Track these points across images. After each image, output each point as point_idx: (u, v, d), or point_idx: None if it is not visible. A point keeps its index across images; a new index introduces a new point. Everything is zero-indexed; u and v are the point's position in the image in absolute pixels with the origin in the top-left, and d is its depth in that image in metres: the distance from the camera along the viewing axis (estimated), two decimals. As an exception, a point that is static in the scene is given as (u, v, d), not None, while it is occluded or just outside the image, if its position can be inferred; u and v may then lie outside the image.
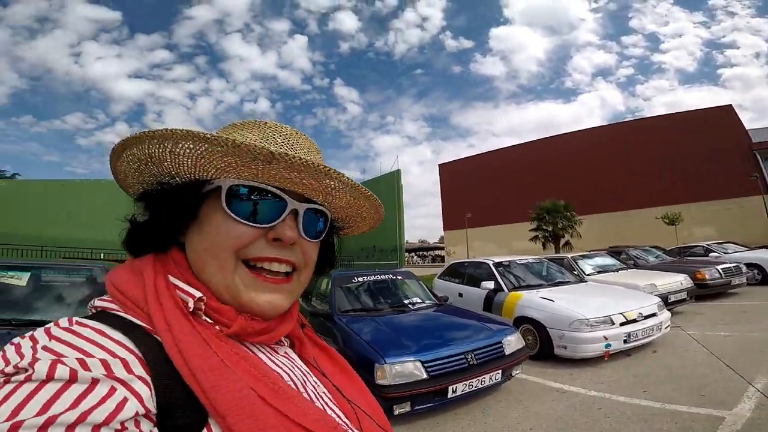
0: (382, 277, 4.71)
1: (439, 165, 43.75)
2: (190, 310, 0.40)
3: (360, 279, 4.60)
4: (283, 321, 0.48)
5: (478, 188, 38.06)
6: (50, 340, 0.33)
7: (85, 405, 0.28)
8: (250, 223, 0.43)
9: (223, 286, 0.43)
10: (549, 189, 28.43)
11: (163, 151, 0.41)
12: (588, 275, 6.93)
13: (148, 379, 0.33)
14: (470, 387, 2.99)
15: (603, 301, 4.72)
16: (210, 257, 0.43)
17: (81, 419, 0.27)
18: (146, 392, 0.32)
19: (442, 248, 44.79)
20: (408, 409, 2.81)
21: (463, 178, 39.96)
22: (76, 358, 0.31)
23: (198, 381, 0.34)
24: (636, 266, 8.46)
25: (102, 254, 14.78)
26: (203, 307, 0.41)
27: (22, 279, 2.88)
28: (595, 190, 30.57)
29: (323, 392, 0.49)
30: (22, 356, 0.31)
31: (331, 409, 0.47)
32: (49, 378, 0.29)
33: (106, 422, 0.28)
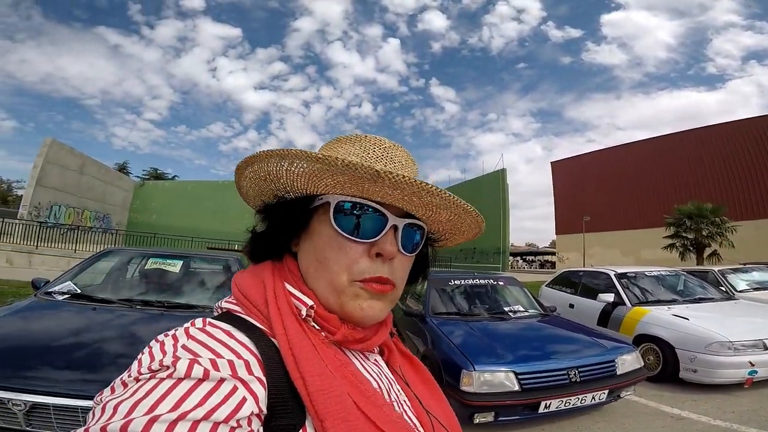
0: (482, 281, 4.52)
1: (552, 163, 39.64)
2: (302, 317, 0.43)
3: (457, 282, 4.49)
4: (378, 330, 0.51)
5: (599, 188, 33.43)
6: (188, 339, 0.37)
7: (211, 403, 0.31)
8: (354, 238, 0.45)
9: (332, 296, 0.45)
10: (691, 190, 24.00)
11: (280, 169, 0.46)
12: (739, 292, 5.76)
13: (265, 380, 0.36)
14: (567, 404, 2.73)
15: (755, 321, 4.02)
16: (323, 269, 0.46)
17: (207, 416, 0.30)
18: (262, 393, 0.35)
19: (553, 254, 40.87)
20: (490, 419, 2.69)
21: (580, 176, 35.52)
22: (209, 359, 0.35)
23: (306, 384, 0.37)
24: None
25: (236, 245, 17.31)
26: (313, 314, 0.44)
27: (176, 266, 3.47)
28: (754, 192, 24.18)
29: (404, 400, 0.51)
30: (165, 353, 0.35)
31: (409, 417, 0.48)
32: (187, 376, 0.33)
33: (227, 420, 0.31)
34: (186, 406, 0.30)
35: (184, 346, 0.36)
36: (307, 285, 0.47)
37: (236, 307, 0.45)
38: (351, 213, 0.46)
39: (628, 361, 3.03)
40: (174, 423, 0.29)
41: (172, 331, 0.39)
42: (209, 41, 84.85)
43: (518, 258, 45.65)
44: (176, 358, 0.34)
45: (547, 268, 36.66)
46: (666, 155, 29.64)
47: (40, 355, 1.95)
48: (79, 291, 3.00)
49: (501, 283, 4.59)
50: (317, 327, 0.44)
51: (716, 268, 6.70)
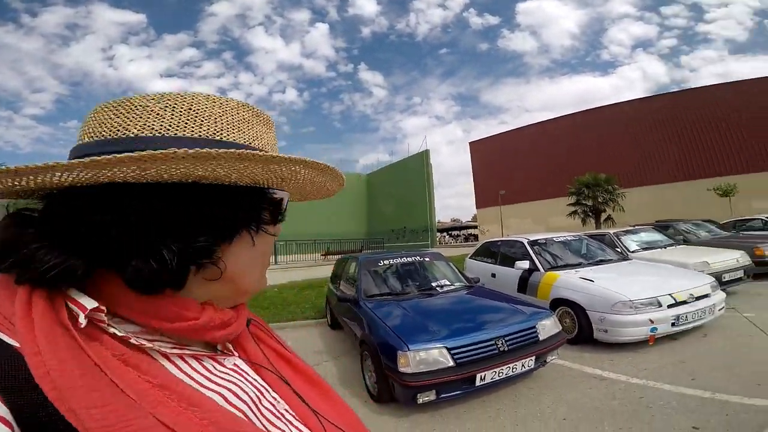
0: (409, 259, 4.61)
1: (470, 143, 42.99)
2: (82, 325, 0.31)
3: (386, 262, 4.54)
4: (238, 316, 0.43)
5: (512, 165, 37.03)
6: None
7: None
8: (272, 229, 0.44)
9: (257, 284, 0.44)
10: (588, 163, 27.27)
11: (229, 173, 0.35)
12: (632, 252, 6.50)
13: (9, 417, 0.27)
14: (500, 375, 2.85)
15: (649, 280, 4.39)
16: (261, 265, 0.44)
17: None
18: None
19: (476, 227, 44.15)
20: (433, 397, 2.73)
21: (495, 155, 39.01)
22: None
23: (81, 420, 0.27)
24: (686, 242, 7.87)
25: None
26: (105, 319, 0.33)
27: None
28: (639, 163, 28.96)
29: (285, 410, 0.42)
30: None
31: (296, 428, 0.41)
32: None
33: None
34: None
35: None
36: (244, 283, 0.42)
37: None
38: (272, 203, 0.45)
39: (548, 326, 3.20)
40: None
41: None
42: (105, 28, 74.20)
43: (445, 234, 48.30)
44: None
45: (471, 241, 39.43)
46: (566, 133, 33.85)
47: None
48: None
49: (427, 259, 4.72)
50: (123, 333, 0.33)
51: (612, 231, 7.43)
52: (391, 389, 2.87)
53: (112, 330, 0.33)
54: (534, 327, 3.13)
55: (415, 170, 26.93)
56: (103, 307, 0.33)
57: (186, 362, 0.37)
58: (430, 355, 2.73)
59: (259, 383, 0.43)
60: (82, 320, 0.32)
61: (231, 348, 0.45)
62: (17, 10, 65.06)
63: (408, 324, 3.10)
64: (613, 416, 2.67)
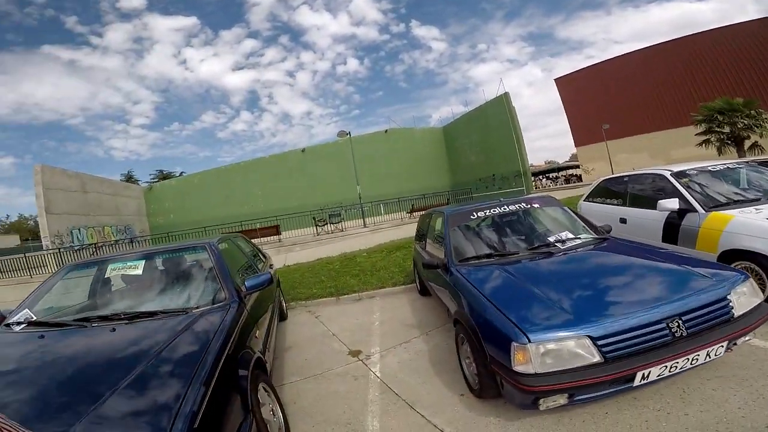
0: (511, 207, 3.55)
1: (556, 80, 37.65)
2: None
3: (480, 214, 3.56)
4: None
5: (613, 97, 31.71)
6: None
7: None
8: None
9: None
10: (714, 88, 22.85)
11: None
12: None
13: None
14: (673, 370, 1.88)
15: None
16: None
17: None
18: None
19: (576, 167, 39.22)
20: (563, 402, 1.90)
21: (590, 88, 33.67)
22: None
23: None
24: None
25: (258, 223, 17.17)
26: None
27: (138, 267, 2.91)
28: None
29: None
30: None
31: None
32: None
33: None
34: None
35: None
36: None
37: None
38: None
39: (745, 295, 2.10)
40: None
41: None
42: (167, 36, 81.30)
43: (541, 177, 43.93)
44: None
45: (574, 182, 35.19)
46: (681, 57, 27.82)
47: None
48: (34, 317, 2.52)
49: (536, 205, 3.61)
50: None
51: None
52: (499, 386, 2.13)
53: None
54: (726, 298, 2.03)
55: (497, 115, 24.59)
56: None
57: None
58: (563, 347, 1.86)
59: None
60: None
61: None
62: (83, 33, 74.77)
63: (523, 299, 2.22)
64: None
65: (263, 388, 2.16)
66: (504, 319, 2.05)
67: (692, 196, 3.79)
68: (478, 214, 3.57)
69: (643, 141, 29.87)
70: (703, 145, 16.92)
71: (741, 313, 2.03)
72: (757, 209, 3.39)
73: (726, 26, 26.71)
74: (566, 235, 3.16)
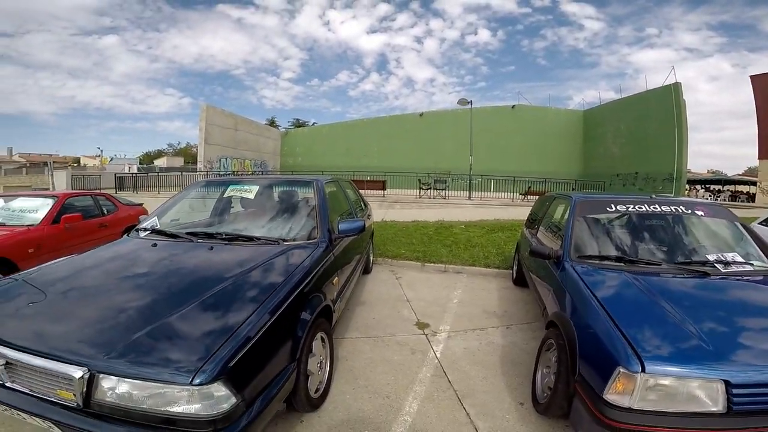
0: (663, 207, 2.79)
1: (752, 77, 28.31)
2: None
3: (619, 207, 2.86)
4: None
5: None
6: None
7: None
8: None
9: None
10: None
11: None
12: None
13: None
14: None
15: None
16: None
17: None
18: None
19: (753, 183, 30.31)
20: None
21: None
22: None
23: None
24: None
25: (368, 177, 18.11)
26: None
27: (252, 192, 3.16)
28: None
29: None
30: None
31: None
32: None
33: None
34: None
35: None
36: None
37: None
38: None
39: None
40: None
41: None
42: None
43: (698, 187, 35.51)
44: None
45: (741, 201, 27.45)
46: None
47: (37, 307, 1.69)
48: (159, 226, 2.90)
49: (700, 212, 2.78)
50: None
51: None
52: (569, 408, 1.75)
53: None
54: None
55: (658, 106, 20.50)
56: None
57: None
58: (681, 386, 1.42)
59: None
60: None
61: None
62: None
63: (649, 318, 1.74)
64: None
65: (321, 338, 2.15)
66: (617, 336, 1.61)
67: None
68: (617, 206, 2.87)
69: None
70: None
71: None
72: None
73: None
74: (733, 257, 2.36)
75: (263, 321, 1.55)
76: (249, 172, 23.69)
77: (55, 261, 2.33)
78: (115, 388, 1.31)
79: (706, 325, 1.66)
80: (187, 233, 2.66)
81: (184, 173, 19.48)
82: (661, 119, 20.21)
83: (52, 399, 1.39)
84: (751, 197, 28.49)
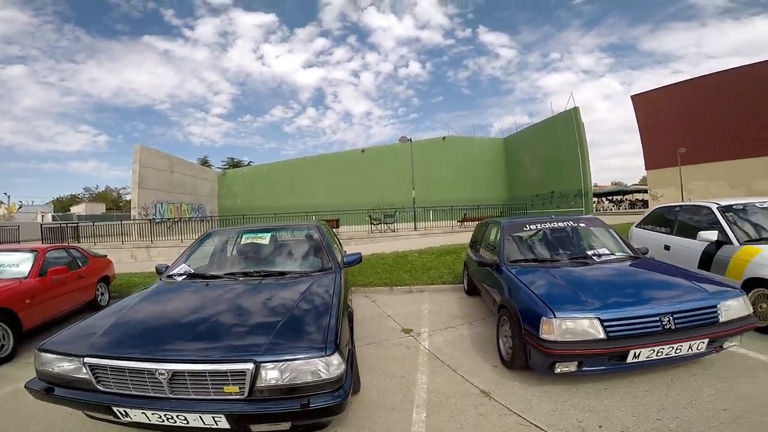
0: (560, 224, 4.24)
1: (632, 97, 35.26)
2: None
3: (532, 227, 4.28)
4: None
5: (693, 118, 29.14)
6: None
7: None
8: None
9: None
10: None
11: None
12: None
13: None
14: (659, 354, 2.50)
15: None
16: None
17: None
18: None
19: (645, 191, 36.75)
20: (573, 369, 2.57)
21: (668, 108, 31.25)
22: None
23: None
24: None
25: (314, 216, 18.68)
26: None
27: (266, 239, 3.91)
28: None
29: None
30: None
31: None
32: None
33: None
34: None
35: None
36: None
37: None
38: None
39: (734, 308, 2.67)
40: None
41: None
42: (249, 31, 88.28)
43: (603, 199, 41.65)
44: None
45: (639, 208, 33.10)
46: (764, 81, 24.65)
47: (173, 330, 2.30)
48: (192, 271, 3.50)
49: (582, 224, 4.26)
50: None
51: None
52: (527, 356, 2.83)
53: None
54: (714, 306, 2.62)
55: (563, 130, 24.12)
56: None
57: None
58: (578, 325, 2.56)
59: None
60: None
61: None
62: (178, 26, 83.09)
63: (555, 291, 2.94)
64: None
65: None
66: (539, 302, 2.78)
67: (731, 230, 4.15)
68: (531, 226, 4.30)
69: (723, 169, 27.39)
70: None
71: (726, 320, 2.60)
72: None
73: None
74: (603, 251, 3.79)
75: (337, 319, 2.35)
76: (186, 218, 22.85)
77: (134, 299, 2.85)
78: (273, 372, 1.88)
79: (587, 290, 2.88)
80: (225, 274, 3.35)
81: (123, 222, 18.36)
82: (567, 141, 23.63)
83: (218, 397, 1.88)
84: (646, 203, 34.27)
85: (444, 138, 30.59)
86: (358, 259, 3.75)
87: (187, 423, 1.92)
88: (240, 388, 1.90)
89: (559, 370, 2.59)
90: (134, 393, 1.98)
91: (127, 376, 1.99)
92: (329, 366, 1.96)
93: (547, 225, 4.25)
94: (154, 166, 21.71)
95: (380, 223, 16.88)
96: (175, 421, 1.92)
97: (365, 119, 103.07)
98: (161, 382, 1.94)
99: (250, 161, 48.06)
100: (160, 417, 1.93)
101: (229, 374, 1.92)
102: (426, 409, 2.61)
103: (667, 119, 31.26)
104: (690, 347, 2.51)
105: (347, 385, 2.04)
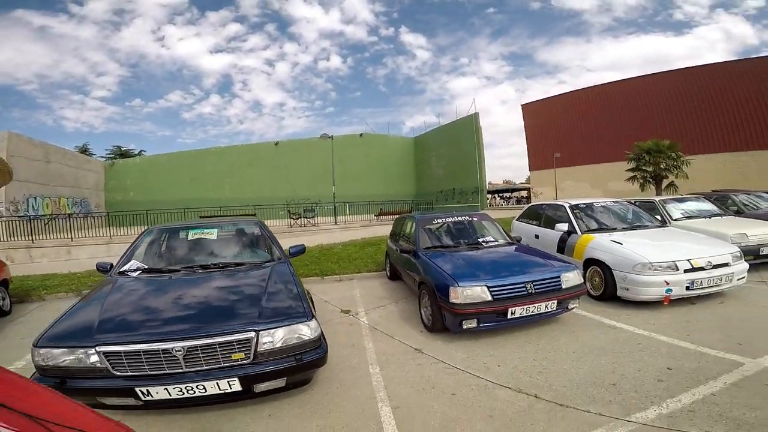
0: (460, 218, 5.46)
1: (522, 105, 41.17)
2: None
3: (440, 221, 5.45)
4: None
5: (568, 127, 35.46)
6: None
7: None
8: None
9: None
10: (652, 128, 26.08)
11: None
12: (674, 220, 6.81)
13: None
14: (527, 311, 3.67)
15: (673, 246, 4.81)
16: None
17: None
18: None
19: (529, 189, 43.16)
20: (474, 325, 3.61)
21: (550, 116, 37.37)
22: None
23: None
24: (738, 213, 7.83)
25: (220, 209, 17.51)
26: None
27: (213, 234, 4.21)
28: (713, 128, 26.82)
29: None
30: None
31: None
32: None
33: None
34: None
35: None
36: None
37: None
38: None
39: (570, 278, 3.87)
40: None
41: None
42: (151, 11, 77.42)
43: (496, 195, 47.62)
44: None
45: (524, 204, 38.86)
46: (630, 96, 31.62)
47: (171, 314, 2.62)
48: (146, 267, 3.69)
49: (476, 219, 5.53)
50: None
51: (657, 198, 7.63)
52: (443, 320, 3.83)
53: None
54: (558, 277, 3.89)
55: (465, 133, 26.92)
56: None
57: None
58: (474, 291, 3.62)
59: None
60: None
61: None
62: (64, 1, 69.70)
63: (458, 268, 3.98)
64: (612, 354, 3.39)
65: None
66: (448, 277, 3.82)
67: (576, 223, 5.78)
68: (438, 219, 5.46)
69: (587, 171, 33.66)
70: (630, 181, 19.31)
71: (566, 287, 3.89)
72: (610, 234, 5.39)
73: (677, 69, 30.03)
74: (490, 239, 5.09)
75: (305, 295, 2.97)
76: (65, 214, 19.66)
77: (103, 294, 2.97)
78: (269, 338, 2.39)
79: (479, 267, 3.99)
80: (183, 267, 3.62)
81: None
82: (467, 144, 26.45)
83: (227, 364, 2.27)
84: (530, 200, 40.17)
85: (361, 135, 31.65)
86: (302, 250, 4.37)
87: (205, 391, 2.25)
88: (245, 354, 2.35)
89: (465, 326, 3.62)
90: (151, 373, 2.25)
91: (143, 359, 2.26)
92: (311, 329, 2.61)
93: (450, 219, 5.45)
94: (26, 155, 18.64)
95: (299, 218, 17.10)
96: (194, 392, 2.23)
97: (278, 110, 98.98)
98: (178, 359, 2.25)
99: (142, 150, 42.79)
100: (181, 390, 2.23)
101: (235, 343, 2.35)
102: (378, 365, 3.42)
103: (549, 126, 36.92)
104: (546, 306, 3.75)
105: (324, 344, 2.71)
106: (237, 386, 2.33)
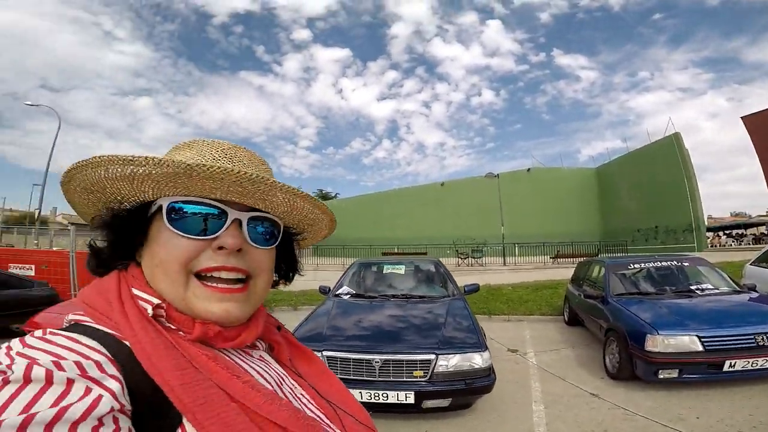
0: (664, 263, 4.73)
1: (743, 118, 30.42)
2: (151, 316, 0.43)
3: (636, 266, 4.85)
4: (247, 327, 0.50)
5: None
6: (24, 347, 0.35)
7: (62, 403, 0.30)
8: (193, 236, 0.45)
9: (177, 299, 0.45)
10: None
11: (99, 178, 0.44)
12: None
13: (120, 376, 0.36)
14: (754, 365, 2.97)
15: None
16: (161, 273, 0.45)
17: (59, 416, 0.29)
18: (118, 387, 0.34)
19: (773, 223, 31.06)
20: (675, 375, 3.11)
21: None
22: (51, 361, 0.33)
23: (166, 380, 0.37)
24: None
25: (397, 248, 19.25)
26: (164, 313, 0.44)
27: (402, 269, 5.04)
28: None
29: (301, 394, 0.52)
30: None
31: (310, 410, 0.49)
32: (27, 379, 0.31)
33: (83, 418, 0.30)
34: (34, 408, 0.29)
35: (19, 353, 0.34)
36: (154, 290, 0.46)
37: (85, 318, 0.43)
38: (185, 213, 0.46)
39: None
40: (22, 428, 0.28)
41: (6, 343, 0.36)
42: (328, 66, 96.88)
43: (720, 233, 36.00)
44: (11, 362, 0.32)
45: (765, 243, 27.94)
46: None
47: (374, 332, 3.29)
48: (354, 292, 4.58)
49: (686, 263, 4.69)
50: (173, 327, 0.44)
51: None
52: (633, 367, 3.41)
53: (166, 323, 0.44)
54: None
55: (665, 157, 21.81)
56: (163, 305, 0.45)
57: (227, 349, 0.48)
58: (679, 341, 3.15)
59: (280, 372, 0.53)
60: (150, 312, 0.43)
61: (262, 344, 0.55)
62: (268, 62, 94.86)
63: (660, 317, 3.51)
64: None
65: None
66: (645, 324, 3.41)
67: None
68: (634, 264, 4.85)
69: None
70: None
71: None
72: None
73: None
74: (708, 286, 4.23)
75: (479, 328, 3.27)
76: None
77: (327, 310, 3.89)
78: (446, 361, 2.77)
79: (688, 315, 3.43)
80: (381, 296, 4.41)
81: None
82: (669, 170, 21.43)
83: (408, 379, 2.70)
84: None
85: (529, 170, 29.94)
86: (476, 289, 4.64)
87: (387, 399, 2.70)
88: (424, 372, 2.75)
89: (662, 375, 3.17)
90: (354, 378, 2.80)
91: (351, 365, 2.87)
92: (483, 359, 2.88)
93: (651, 264, 4.74)
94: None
95: (467, 257, 17.38)
96: (379, 398, 2.71)
97: (439, 150, 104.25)
98: (374, 369, 2.78)
99: (337, 193, 51.35)
100: (371, 395, 2.72)
101: (418, 363, 2.78)
102: (543, 404, 3.32)
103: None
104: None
105: (493, 374, 2.92)
106: (411, 399, 2.71)
